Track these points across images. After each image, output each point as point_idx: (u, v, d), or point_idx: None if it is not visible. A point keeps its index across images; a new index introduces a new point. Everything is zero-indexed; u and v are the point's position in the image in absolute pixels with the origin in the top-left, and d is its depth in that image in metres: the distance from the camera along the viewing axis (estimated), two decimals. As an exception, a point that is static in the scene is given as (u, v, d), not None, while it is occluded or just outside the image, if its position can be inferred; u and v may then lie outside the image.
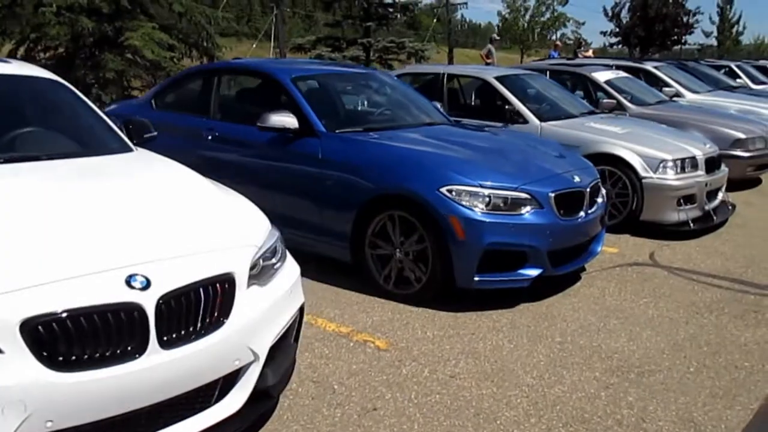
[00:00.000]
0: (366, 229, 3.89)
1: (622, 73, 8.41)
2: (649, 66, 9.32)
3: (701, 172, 5.43)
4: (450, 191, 3.62)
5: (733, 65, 12.84)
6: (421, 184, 3.68)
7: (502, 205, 3.65)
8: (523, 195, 3.70)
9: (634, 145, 5.36)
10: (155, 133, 3.54)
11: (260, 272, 2.46)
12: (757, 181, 7.41)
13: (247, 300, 2.34)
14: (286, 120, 4.11)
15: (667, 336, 3.48)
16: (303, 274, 4.30)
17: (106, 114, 5.54)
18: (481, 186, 3.64)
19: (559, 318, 3.69)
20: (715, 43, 28.95)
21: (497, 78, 6.07)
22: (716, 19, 31.59)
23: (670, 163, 5.25)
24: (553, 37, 23.36)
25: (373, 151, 3.99)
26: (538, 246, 3.70)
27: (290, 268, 2.68)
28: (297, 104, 4.27)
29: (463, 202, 3.60)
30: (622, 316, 3.74)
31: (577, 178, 3.97)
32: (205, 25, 11.87)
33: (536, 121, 5.76)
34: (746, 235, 5.43)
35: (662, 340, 3.43)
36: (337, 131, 4.18)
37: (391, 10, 14.86)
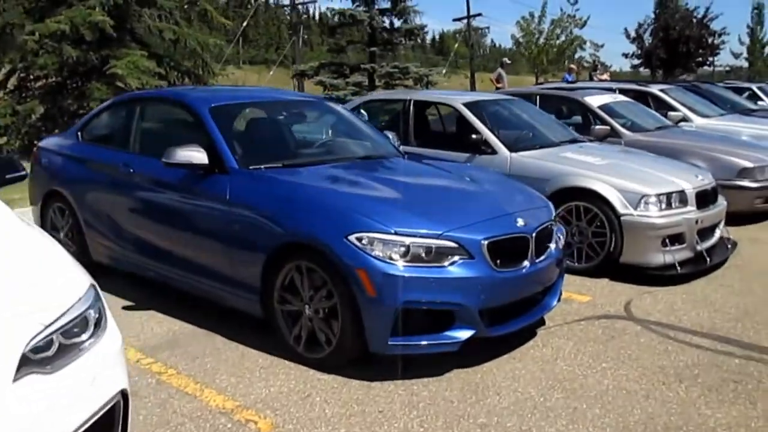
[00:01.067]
0: (274, 281, 3.38)
1: (622, 97, 7.78)
2: (654, 89, 8.66)
3: (691, 207, 4.77)
4: (360, 239, 3.08)
5: (755, 87, 12.03)
6: (328, 230, 3.16)
7: (423, 255, 3.10)
8: (449, 243, 3.14)
9: (613, 177, 4.75)
10: (24, 173, 3.12)
11: (56, 353, 1.96)
12: (767, 215, 6.62)
13: (13, 397, 1.82)
14: (194, 155, 3.67)
15: (618, 416, 2.85)
16: (215, 330, 3.88)
17: (39, 148, 5.24)
18: (397, 233, 3.09)
19: (492, 390, 3.09)
20: (746, 64, 27.81)
21: (466, 104, 5.54)
22: (746, 39, 30.50)
23: (653, 198, 4.61)
24: (573, 60, 22.70)
25: (283, 191, 3.50)
26: (467, 304, 3.13)
27: (107, 342, 2.16)
28: (210, 137, 3.82)
29: (375, 252, 3.06)
30: (570, 387, 3.11)
31: (521, 222, 3.39)
32: (200, 52, 11.74)
33: (506, 152, 5.20)
34: (745, 279, 4.72)
35: (611, 421, 2.81)
36: (251, 167, 3.71)
37: (396, 34, 14.50)
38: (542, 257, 3.48)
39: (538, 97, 7.39)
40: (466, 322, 3.16)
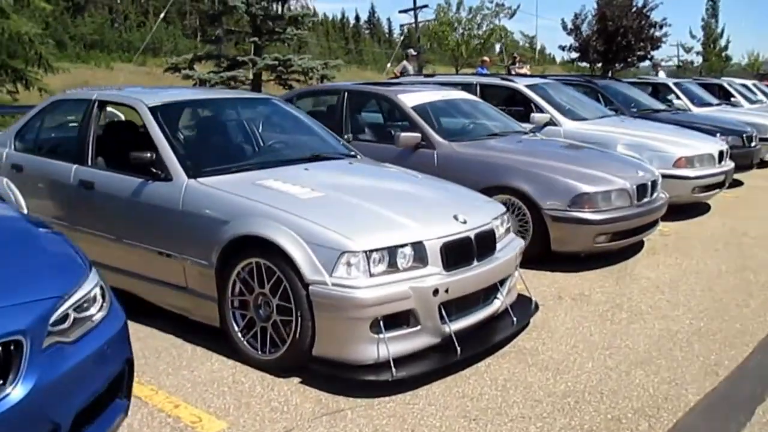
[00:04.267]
0: None
1: (459, 94, 6.11)
2: (519, 85, 7.01)
3: (433, 268, 3.08)
4: None
5: (671, 83, 10.45)
6: None
7: None
8: None
9: (310, 222, 3.05)
10: None
11: None
12: (618, 256, 4.98)
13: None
14: None
15: None
16: None
17: None
18: None
19: None
20: (699, 59, 26.44)
21: (155, 108, 3.81)
22: (698, 33, 29.20)
23: (359, 257, 2.91)
24: (495, 52, 21.05)
25: None
26: None
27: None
28: None
29: None
30: None
31: None
32: (37, 45, 9.94)
33: (183, 177, 3.48)
34: (511, 384, 3.04)
35: None
36: None
37: (279, 23, 12.69)
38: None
39: (345, 93, 5.70)
40: None
